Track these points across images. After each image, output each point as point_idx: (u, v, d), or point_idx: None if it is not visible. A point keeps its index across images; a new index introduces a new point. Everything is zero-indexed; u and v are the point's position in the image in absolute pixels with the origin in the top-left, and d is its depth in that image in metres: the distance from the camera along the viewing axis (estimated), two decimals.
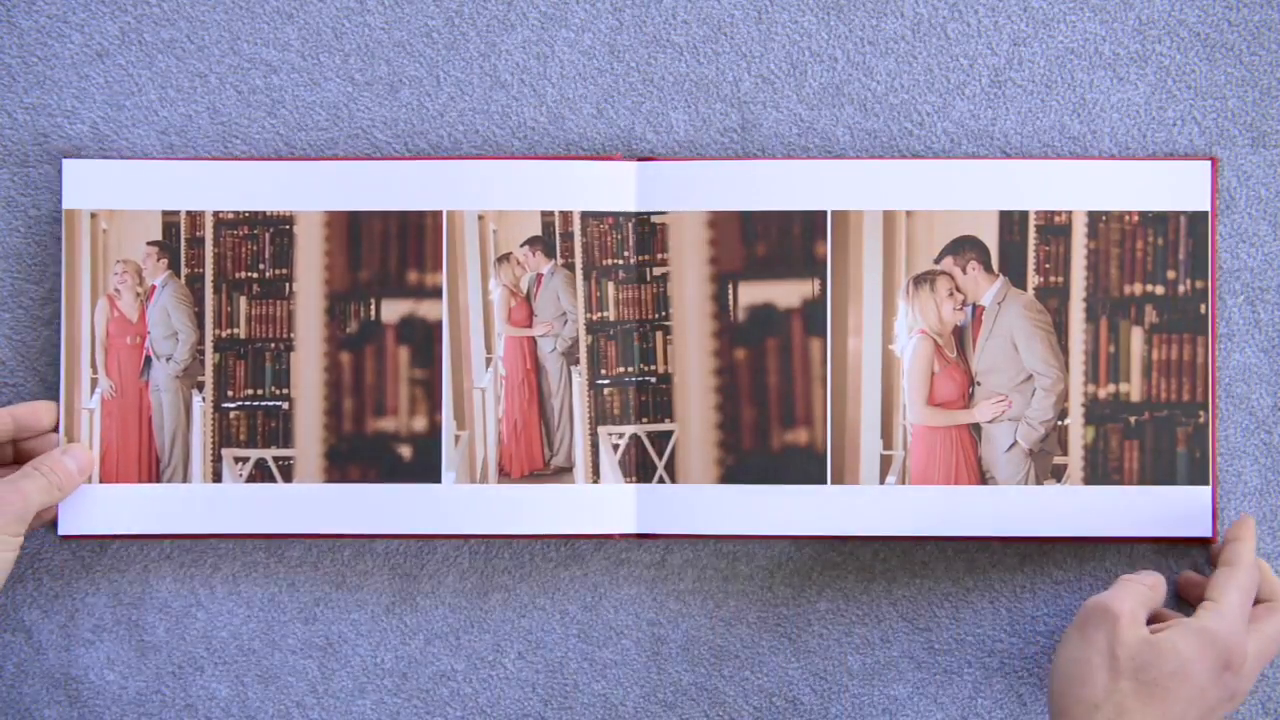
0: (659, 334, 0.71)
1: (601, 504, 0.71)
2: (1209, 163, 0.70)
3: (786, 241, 0.71)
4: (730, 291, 0.71)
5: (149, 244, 0.72)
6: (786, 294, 0.71)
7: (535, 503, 0.71)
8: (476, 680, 0.73)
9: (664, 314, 0.71)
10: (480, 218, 0.71)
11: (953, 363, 0.71)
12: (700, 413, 0.71)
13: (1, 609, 0.73)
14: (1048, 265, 0.71)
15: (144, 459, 0.71)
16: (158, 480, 0.71)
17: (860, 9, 0.73)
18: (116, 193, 0.72)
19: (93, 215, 0.72)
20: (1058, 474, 0.71)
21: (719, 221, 0.71)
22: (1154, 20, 0.72)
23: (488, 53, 0.73)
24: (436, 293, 0.71)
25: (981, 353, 0.71)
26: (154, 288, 0.72)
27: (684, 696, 0.73)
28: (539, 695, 0.73)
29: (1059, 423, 0.71)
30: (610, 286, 0.72)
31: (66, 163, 0.72)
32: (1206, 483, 0.70)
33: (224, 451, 0.71)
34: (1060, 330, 0.71)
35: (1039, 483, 0.71)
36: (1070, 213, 0.70)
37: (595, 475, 0.71)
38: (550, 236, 0.71)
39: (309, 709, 0.73)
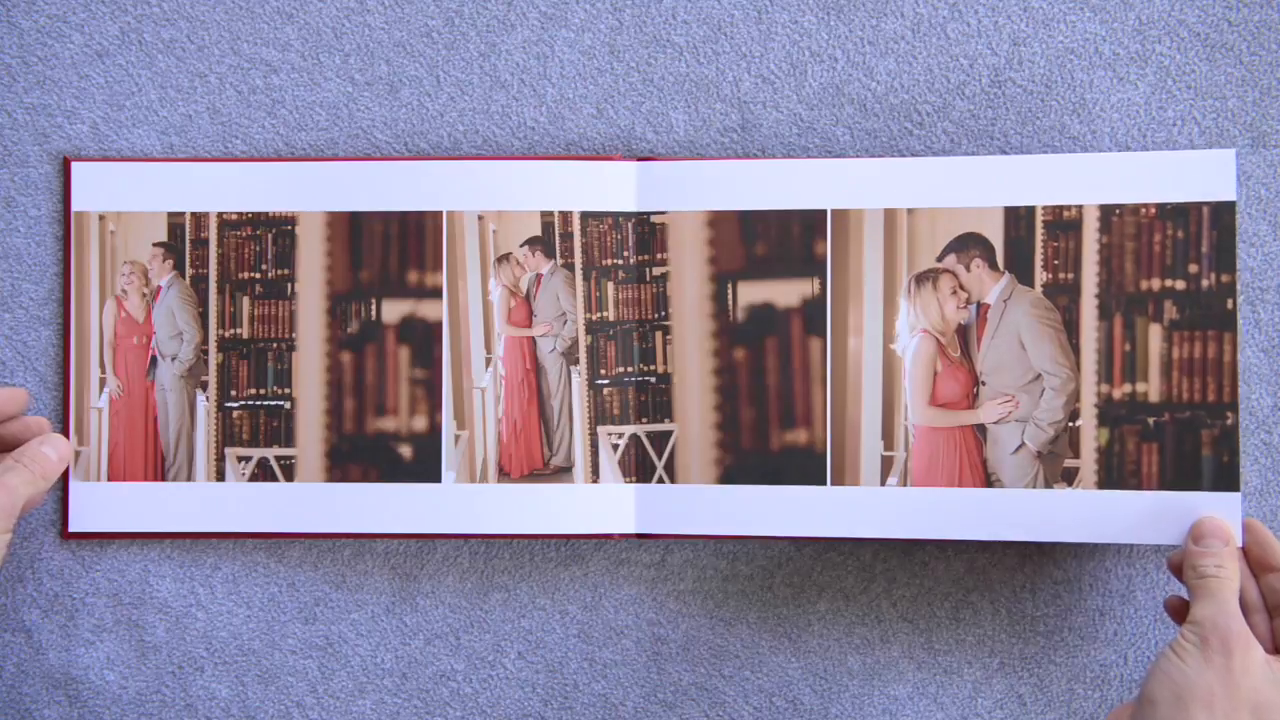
0: (658, 334, 0.77)
1: (601, 504, 0.76)
2: (1232, 152, 0.72)
3: (786, 241, 0.76)
4: (730, 291, 0.76)
5: (155, 245, 0.78)
6: (786, 293, 0.76)
7: (535, 503, 0.76)
8: (476, 680, 0.80)
9: (663, 314, 0.77)
10: (480, 218, 0.78)
11: (956, 362, 0.75)
12: (699, 413, 0.76)
13: (1, 609, 0.79)
14: (1056, 261, 0.73)
15: (149, 458, 0.78)
16: (163, 479, 0.78)
17: (860, 9, 0.79)
18: (123, 195, 0.78)
19: (100, 217, 0.78)
20: (1069, 477, 0.73)
21: (718, 221, 0.76)
22: (1154, 20, 0.79)
23: (488, 53, 0.80)
24: (437, 293, 0.78)
25: (987, 352, 0.74)
26: (159, 288, 0.78)
27: (684, 696, 0.80)
28: (539, 695, 0.80)
29: (1070, 424, 0.73)
30: (610, 286, 0.77)
31: (75, 165, 0.78)
32: (1236, 488, 0.71)
33: (227, 450, 0.78)
34: (1071, 328, 0.73)
35: (1049, 486, 0.73)
36: (1080, 207, 0.73)
37: (595, 475, 0.77)
38: (550, 236, 0.77)
39: (309, 709, 0.80)
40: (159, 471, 0.78)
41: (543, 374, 0.77)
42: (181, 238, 0.78)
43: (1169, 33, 0.78)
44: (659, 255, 0.77)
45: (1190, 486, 0.72)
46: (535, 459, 0.77)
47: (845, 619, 0.79)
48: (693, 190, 0.76)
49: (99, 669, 0.79)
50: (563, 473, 0.77)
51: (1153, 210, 0.73)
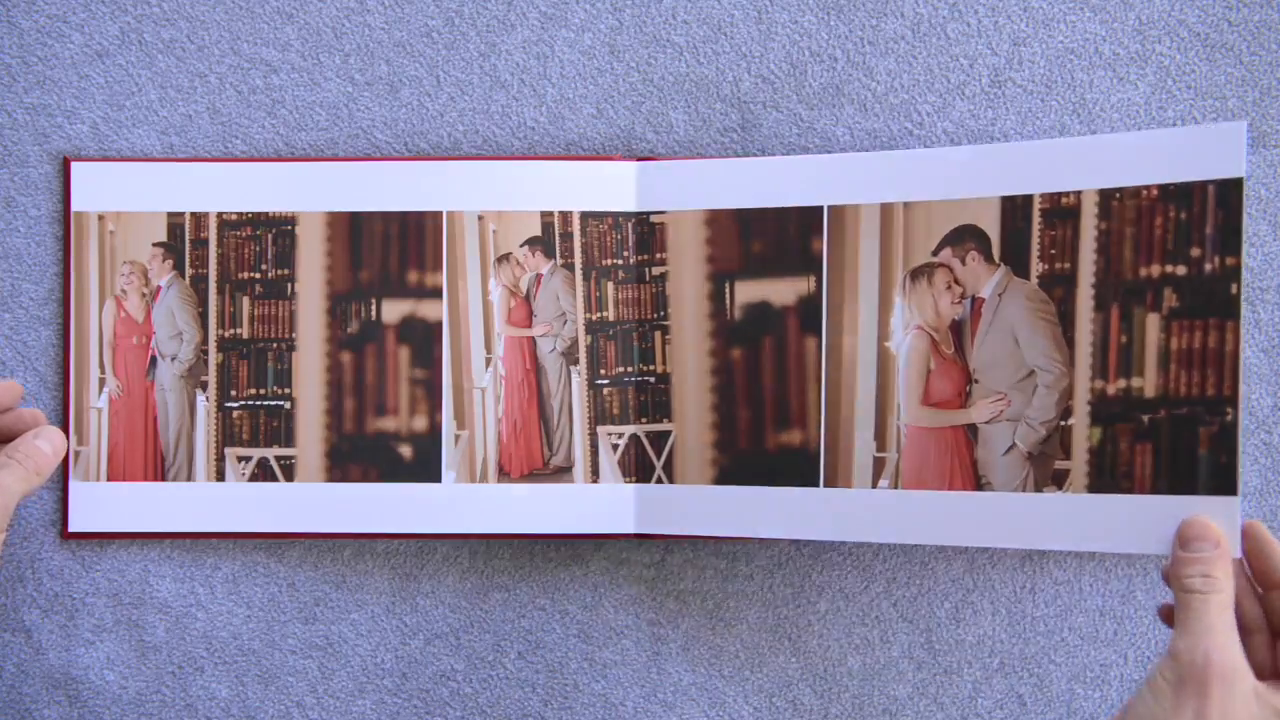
0: (657, 334, 0.77)
1: (601, 504, 0.77)
2: (1243, 125, 0.66)
3: (783, 238, 0.75)
4: (727, 290, 0.77)
5: (154, 245, 0.79)
6: (782, 292, 0.76)
7: (535, 503, 0.77)
8: (476, 680, 0.80)
9: (662, 314, 0.77)
10: (480, 218, 0.78)
11: (949, 359, 0.72)
12: (697, 413, 0.77)
13: (1, 609, 0.80)
14: (1053, 251, 0.70)
15: (149, 458, 0.79)
16: (163, 479, 0.78)
17: (860, 9, 0.80)
18: (122, 195, 0.79)
19: (100, 217, 0.79)
20: (1059, 480, 0.70)
21: (716, 220, 0.76)
22: (1154, 20, 0.79)
23: (488, 53, 0.81)
24: (437, 293, 0.78)
25: (980, 348, 0.72)
26: (159, 288, 0.79)
27: (684, 696, 0.80)
28: (539, 695, 0.80)
29: (1061, 423, 0.70)
30: (610, 286, 0.78)
31: (74, 165, 0.79)
32: (1234, 492, 0.66)
33: (227, 450, 0.78)
34: (1066, 321, 0.70)
35: (1038, 489, 0.70)
36: (1079, 193, 0.70)
37: (595, 475, 0.77)
38: (550, 237, 0.78)
39: (309, 709, 0.80)
40: (159, 471, 0.78)
41: (543, 374, 0.78)
42: (181, 238, 0.79)
43: (1169, 33, 0.79)
44: (658, 255, 0.77)
45: (1185, 489, 0.67)
46: (535, 459, 0.78)
47: (845, 619, 0.79)
48: (691, 189, 0.77)
49: (99, 669, 0.80)
50: (563, 473, 0.77)
51: (1155, 192, 0.68)
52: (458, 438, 0.78)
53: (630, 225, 0.77)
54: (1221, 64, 0.78)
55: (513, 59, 0.80)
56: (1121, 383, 0.69)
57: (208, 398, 0.79)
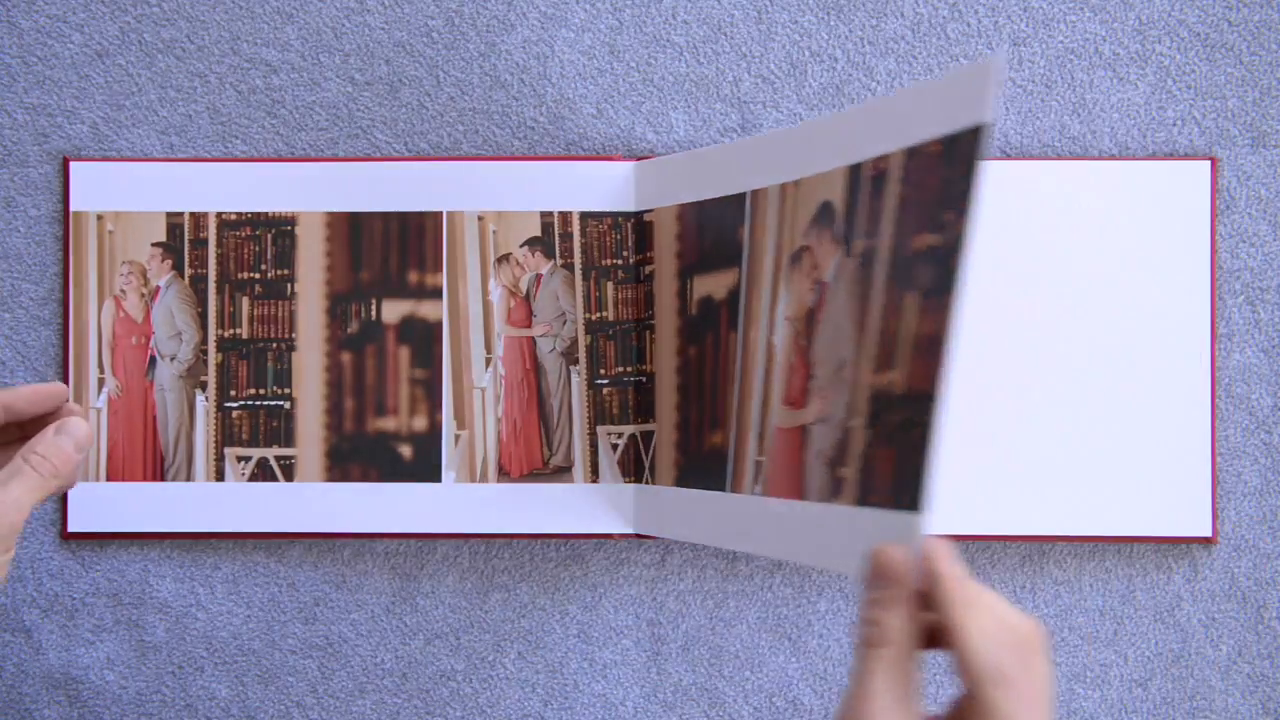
0: (647, 333, 0.77)
1: (600, 504, 0.77)
2: (996, 61, 0.52)
3: (721, 230, 0.72)
4: (689, 287, 0.75)
5: (154, 245, 0.79)
6: (720, 286, 0.72)
7: (535, 503, 0.77)
8: (476, 680, 0.80)
9: (650, 313, 0.77)
10: (480, 218, 0.78)
11: (801, 351, 0.64)
12: (667, 413, 0.76)
13: (1, 609, 0.80)
14: (869, 225, 0.60)
15: (149, 458, 0.79)
16: (162, 479, 0.78)
17: (860, 9, 0.80)
18: (122, 194, 0.79)
19: (99, 217, 0.79)
20: (837, 488, 0.60)
21: (684, 215, 0.75)
22: (1154, 20, 0.79)
23: (488, 53, 0.80)
24: (437, 293, 0.78)
25: (818, 340, 0.63)
26: (158, 288, 0.79)
27: (684, 696, 0.80)
28: (539, 695, 0.80)
29: (849, 424, 0.59)
30: (609, 286, 0.78)
31: (74, 165, 0.79)
32: (915, 509, 0.52)
33: (227, 450, 0.78)
34: (867, 304, 0.60)
35: (826, 499, 0.60)
36: (890, 155, 0.59)
37: (594, 475, 0.77)
38: (550, 237, 0.78)
39: (309, 709, 0.80)
40: (158, 471, 0.78)
41: (542, 374, 0.78)
42: (180, 238, 0.79)
43: (1169, 33, 0.79)
44: (649, 254, 0.77)
45: (895, 503, 0.55)
46: (535, 458, 0.78)
47: (845, 619, 0.79)
48: (670, 185, 0.76)
49: (99, 669, 0.80)
50: (562, 472, 0.77)
51: (938, 148, 0.56)
52: (458, 438, 0.78)
53: (629, 225, 0.77)
54: (1221, 64, 0.78)
55: (513, 59, 0.80)
56: (886, 376, 0.57)
57: (207, 398, 0.79)
